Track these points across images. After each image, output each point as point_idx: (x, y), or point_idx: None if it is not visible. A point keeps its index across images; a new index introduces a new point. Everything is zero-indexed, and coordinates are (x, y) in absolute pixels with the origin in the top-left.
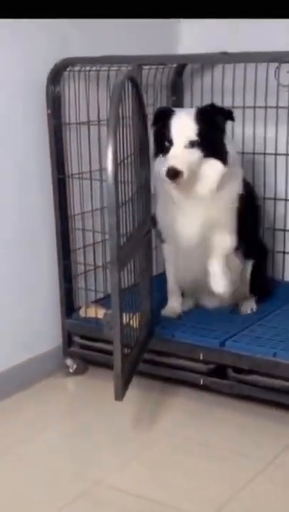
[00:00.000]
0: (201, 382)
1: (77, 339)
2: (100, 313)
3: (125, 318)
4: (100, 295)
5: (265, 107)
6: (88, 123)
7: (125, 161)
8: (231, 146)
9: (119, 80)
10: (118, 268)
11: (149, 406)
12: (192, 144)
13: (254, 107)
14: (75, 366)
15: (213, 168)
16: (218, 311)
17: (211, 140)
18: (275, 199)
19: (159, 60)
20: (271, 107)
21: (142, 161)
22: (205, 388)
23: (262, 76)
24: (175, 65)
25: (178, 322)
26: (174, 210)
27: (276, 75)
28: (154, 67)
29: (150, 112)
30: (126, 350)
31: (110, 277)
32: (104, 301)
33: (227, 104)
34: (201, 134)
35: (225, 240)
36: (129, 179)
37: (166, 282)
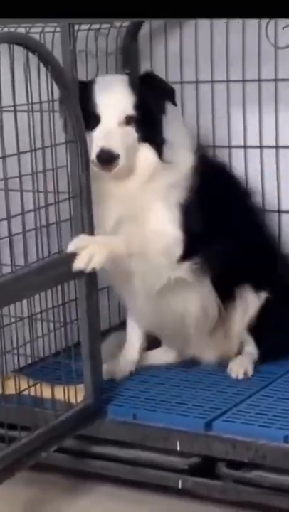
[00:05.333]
0: (180, 485)
1: None
2: (26, 387)
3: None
4: (26, 360)
5: (259, 81)
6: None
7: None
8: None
9: None
10: None
11: None
12: (128, 121)
13: (243, 81)
14: None
15: (145, 158)
16: (201, 374)
17: (149, 119)
18: (279, 212)
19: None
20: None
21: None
22: (186, 493)
23: (251, 37)
24: (126, 24)
25: (141, 396)
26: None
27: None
28: (96, 27)
29: None
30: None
31: None
32: (31, 370)
33: (203, 78)
34: (139, 108)
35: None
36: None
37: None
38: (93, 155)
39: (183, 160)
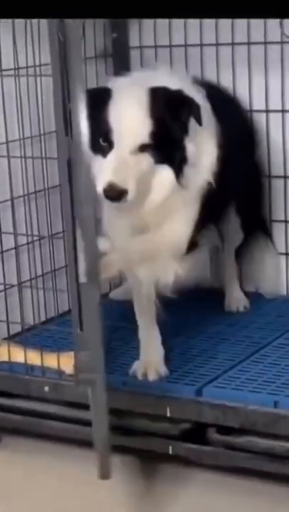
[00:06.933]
0: (170, 451)
1: None
2: (17, 355)
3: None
4: (16, 328)
5: (265, 43)
6: None
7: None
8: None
9: None
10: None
11: (91, 494)
12: (142, 149)
13: (232, 44)
14: None
15: (162, 181)
16: (191, 341)
17: (167, 142)
18: (285, 177)
19: None
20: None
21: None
22: (176, 459)
23: None
24: None
25: (131, 363)
26: (111, 214)
27: None
28: None
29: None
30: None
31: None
32: (21, 338)
33: (192, 41)
34: (156, 134)
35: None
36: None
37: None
38: (100, 188)
39: (205, 171)
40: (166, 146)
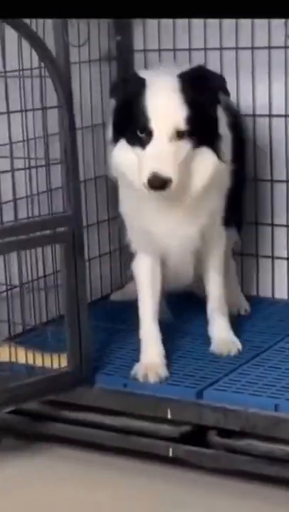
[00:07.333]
0: (171, 454)
1: None
2: (19, 355)
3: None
4: (17, 329)
5: (269, 48)
6: None
7: None
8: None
9: None
10: None
11: (92, 496)
12: (180, 135)
13: (236, 48)
14: None
15: (204, 162)
16: (192, 344)
17: (203, 125)
18: (287, 181)
19: None
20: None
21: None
22: (177, 462)
23: None
24: None
25: (132, 365)
26: (146, 207)
27: None
28: None
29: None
30: None
31: None
32: (24, 339)
33: (196, 45)
34: (192, 119)
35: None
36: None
37: (139, 320)
38: (144, 178)
39: (228, 143)
40: (203, 127)
